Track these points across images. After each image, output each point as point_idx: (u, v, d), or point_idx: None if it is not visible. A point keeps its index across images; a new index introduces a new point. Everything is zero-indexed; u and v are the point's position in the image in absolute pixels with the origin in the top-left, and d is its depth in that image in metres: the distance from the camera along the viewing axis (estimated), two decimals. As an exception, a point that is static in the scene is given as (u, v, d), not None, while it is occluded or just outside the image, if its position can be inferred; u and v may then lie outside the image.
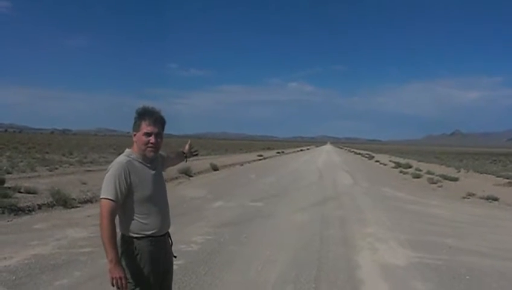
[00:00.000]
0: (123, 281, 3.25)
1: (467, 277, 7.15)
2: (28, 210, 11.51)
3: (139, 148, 3.50)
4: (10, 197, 12.02)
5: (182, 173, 22.45)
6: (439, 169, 35.74)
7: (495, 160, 65.47)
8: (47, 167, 23.19)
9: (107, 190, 3.31)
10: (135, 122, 3.52)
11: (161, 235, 3.57)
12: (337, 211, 13.71)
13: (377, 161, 53.92)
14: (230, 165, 34.69)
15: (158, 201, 3.55)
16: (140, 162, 3.50)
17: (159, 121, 3.53)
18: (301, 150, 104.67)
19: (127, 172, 3.36)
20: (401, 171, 33.95)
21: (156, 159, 3.67)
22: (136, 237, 3.42)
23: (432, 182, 24.68)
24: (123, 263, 3.34)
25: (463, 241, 9.92)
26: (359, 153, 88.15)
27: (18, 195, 12.74)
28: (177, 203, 13.28)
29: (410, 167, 37.35)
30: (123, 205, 3.38)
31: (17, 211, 11.18)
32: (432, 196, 19.24)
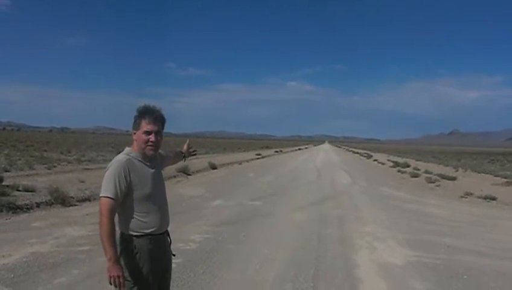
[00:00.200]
0: (121, 280, 3.25)
1: (465, 276, 7.17)
2: (26, 208, 11.50)
3: (139, 146, 3.51)
4: (8, 195, 12.02)
5: (180, 171, 22.46)
6: (437, 168, 35.77)
7: (493, 159, 65.52)
8: (45, 165, 23.17)
9: (106, 188, 3.31)
10: (135, 121, 3.53)
11: (160, 234, 3.57)
12: (335, 210, 13.72)
13: (375, 160, 53.95)
14: (228, 163, 34.70)
15: (157, 199, 3.55)
16: (140, 161, 3.50)
17: (159, 119, 3.53)
18: (299, 149, 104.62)
19: (127, 170, 3.36)
20: (399, 171, 33.98)
21: (155, 157, 3.68)
22: (135, 236, 3.42)
23: (430, 181, 24.70)
24: (122, 261, 3.34)
25: (461, 240, 9.94)
26: (357, 152, 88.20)
27: (16, 193, 12.74)
28: (176, 201, 13.28)
29: (408, 166, 37.38)
30: (122, 204, 3.38)
31: (15, 209, 11.16)
32: (430, 195, 19.27)
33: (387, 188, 21.49)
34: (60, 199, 12.48)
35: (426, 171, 30.61)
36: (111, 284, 3.28)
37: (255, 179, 24.14)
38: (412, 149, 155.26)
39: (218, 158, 38.85)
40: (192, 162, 24.95)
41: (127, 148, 3.57)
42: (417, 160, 53.15)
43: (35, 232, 9.11)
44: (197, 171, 25.38)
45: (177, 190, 16.93)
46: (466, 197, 18.41)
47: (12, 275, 6.35)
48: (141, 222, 3.42)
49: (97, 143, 73.12)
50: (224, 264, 7.40)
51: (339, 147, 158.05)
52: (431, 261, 8.01)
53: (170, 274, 3.80)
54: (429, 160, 54.49)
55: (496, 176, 27.26)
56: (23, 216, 10.91)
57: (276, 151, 76.05)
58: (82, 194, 13.89)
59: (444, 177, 26.38)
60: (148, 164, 3.54)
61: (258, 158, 48.77)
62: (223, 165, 32.48)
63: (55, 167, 23.00)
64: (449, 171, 32.59)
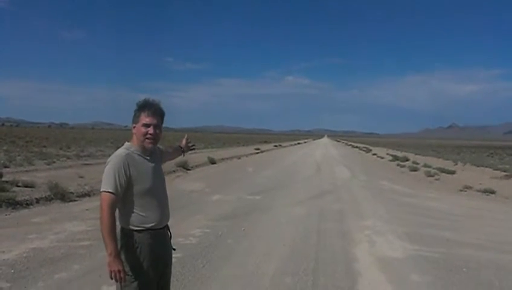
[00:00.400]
0: (122, 275, 3.26)
1: (464, 270, 7.19)
2: (26, 204, 11.51)
3: (138, 139, 3.51)
4: (8, 191, 12.01)
5: (179, 166, 22.45)
6: (436, 162, 35.79)
7: (492, 153, 65.56)
8: (44, 161, 23.18)
9: (107, 183, 3.31)
10: (135, 114, 3.54)
11: (161, 228, 3.58)
12: (335, 204, 13.74)
13: (374, 154, 53.98)
14: (227, 158, 34.69)
15: (157, 194, 3.56)
16: (140, 155, 3.50)
17: (158, 112, 3.54)
18: (298, 144, 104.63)
19: (127, 165, 3.37)
20: (398, 165, 34.03)
21: (155, 152, 3.68)
22: (136, 230, 3.42)
23: (429, 175, 24.74)
24: (123, 256, 3.34)
25: (460, 234, 9.96)
26: (356, 147, 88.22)
27: (16, 189, 12.74)
28: (175, 196, 13.28)
29: (407, 160, 37.41)
30: (123, 198, 3.38)
31: (15, 204, 11.18)
32: (429, 189, 19.30)
33: (387, 182, 21.50)
34: (60, 195, 12.49)
35: (425, 165, 30.65)
36: (112, 278, 3.29)
37: (254, 173, 24.14)
38: (411, 143, 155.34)
39: (217, 153, 38.85)
40: (191, 157, 24.95)
41: (127, 143, 3.57)
42: (416, 154, 53.17)
43: (35, 228, 9.12)
44: (197, 166, 25.39)
45: (177, 185, 16.94)
46: (465, 191, 18.44)
47: (12, 271, 6.36)
48: (141, 217, 3.43)
49: (96, 138, 73.06)
50: (224, 259, 7.41)
51: (338, 141, 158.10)
52: (430, 255, 8.03)
53: (171, 269, 3.81)
54: (428, 154, 54.51)
55: (495, 169, 27.29)
56: (23, 212, 10.92)
57: (275, 146, 76.03)
58: (81, 190, 13.90)
59: (443, 171, 26.40)
60: (148, 158, 3.55)
61: (257, 153, 48.78)
62: (222, 159, 32.49)
63: (54, 162, 23.01)
64: (448, 165, 32.61)
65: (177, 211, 10.55)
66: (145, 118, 3.46)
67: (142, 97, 3.59)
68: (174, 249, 3.86)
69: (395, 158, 40.40)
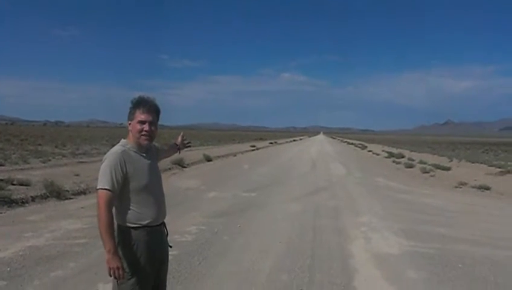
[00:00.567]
0: (120, 271, 3.27)
1: (460, 265, 7.22)
2: (22, 202, 11.48)
3: (133, 136, 3.51)
4: (3, 189, 11.99)
5: (175, 163, 22.45)
6: (431, 159, 35.88)
7: (487, 149, 65.78)
8: (40, 159, 23.10)
9: (103, 180, 3.31)
10: (130, 111, 3.54)
11: (157, 225, 3.58)
12: (330, 200, 13.77)
13: (369, 151, 54.07)
14: (223, 155, 34.68)
15: (154, 191, 3.56)
16: (136, 152, 3.50)
17: (153, 109, 3.54)
18: (294, 141, 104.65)
19: (123, 162, 3.37)
20: (393, 161, 34.11)
21: (151, 149, 3.69)
22: (132, 227, 3.42)
23: (424, 171, 24.82)
24: (119, 253, 3.34)
25: (455, 230, 10.00)
26: (352, 143, 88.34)
27: (11, 187, 12.70)
28: (171, 193, 13.25)
29: (402, 156, 37.51)
30: (119, 195, 3.38)
31: (10, 203, 11.14)
32: (424, 185, 19.37)
33: (382, 178, 21.55)
34: (55, 193, 12.46)
35: (421, 162, 30.73)
36: (111, 275, 3.30)
37: (250, 170, 24.15)
38: (406, 140, 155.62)
39: (212, 150, 38.86)
40: (187, 154, 24.94)
41: (123, 140, 3.57)
42: (411, 150, 53.29)
43: (31, 226, 9.10)
44: (192, 163, 25.37)
45: (173, 182, 16.94)
46: (460, 187, 18.53)
47: (8, 269, 6.35)
48: (138, 214, 3.43)
49: (91, 136, 72.90)
50: (220, 256, 7.42)
51: (334, 138, 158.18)
52: (426, 251, 8.06)
53: (167, 266, 3.82)
54: (423, 150, 54.65)
55: (490, 166, 27.38)
56: (19, 210, 10.89)
57: (271, 143, 76.04)
58: (77, 188, 13.87)
59: (438, 167, 26.48)
60: (144, 155, 3.55)
61: (252, 150, 48.76)
62: (218, 157, 32.48)
63: (49, 160, 22.93)
64: (443, 161, 32.70)
65: (173, 208, 10.55)
66: (140, 115, 3.47)
67: (137, 95, 3.60)
68: (171, 247, 3.87)
69: (391, 155, 40.49)
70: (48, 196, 12.31)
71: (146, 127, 3.47)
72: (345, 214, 11.62)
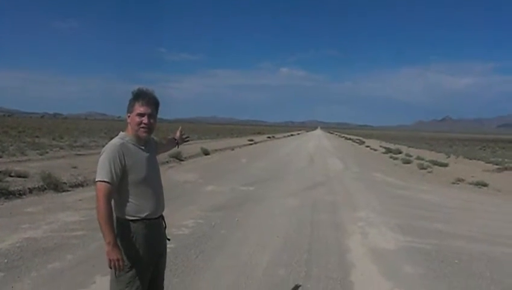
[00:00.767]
0: (121, 263, 3.27)
1: (456, 261, 7.25)
2: (19, 194, 11.46)
3: (132, 129, 3.50)
4: (1, 181, 11.97)
5: (173, 157, 22.44)
6: (429, 155, 35.95)
7: (485, 146, 65.95)
8: (37, 151, 23.05)
9: (102, 173, 3.30)
10: (129, 104, 3.52)
11: (156, 218, 3.58)
12: (328, 195, 13.79)
13: (367, 147, 54.13)
14: (221, 149, 34.67)
15: (152, 183, 3.55)
16: (134, 145, 3.49)
17: (152, 102, 3.52)
18: (292, 135, 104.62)
19: (122, 154, 3.35)
20: (391, 157, 34.15)
21: (150, 142, 3.68)
22: (131, 220, 3.41)
23: (421, 167, 24.85)
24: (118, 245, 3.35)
25: (452, 226, 10.03)
26: (350, 139, 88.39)
27: (9, 179, 12.68)
28: (168, 187, 13.22)
29: (400, 152, 37.56)
30: (118, 188, 3.37)
31: (7, 194, 11.12)
32: (421, 181, 19.40)
33: (380, 174, 21.59)
34: (53, 185, 12.45)
35: (418, 158, 30.79)
36: (110, 267, 3.29)
37: (248, 164, 24.16)
38: (404, 135, 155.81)
39: (210, 144, 38.84)
40: (184, 148, 24.92)
41: (121, 133, 3.56)
42: (409, 146, 53.39)
43: (28, 218, 9.09)
44: (190, 157, 25.36)
45: (170, 176, 16.92)
46: (457, 184, 18.56)
47: (6, 260, 6.35)
48: (137, 206, 3.42)
49: (89, 129, 72.84)
50: (218, 249, 7.43)
51: (332, 133, 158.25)
52: (423, 247, 8.08)
53: (165, 258, 3.82)
54: (421, 146, 54.74)
55: (487, 162, 27.45)
56: (16, 202, 10.87)
57: (269, 137, 76.03)
58: (75, 180, 13.86)
59: (435, 163, 26.54)
60: (142, 147, 3.54)
61: (250, 144, 48.75)
62: (216, 150, 32.45)
63: (47, 152, 22.90)
64: (441, 157, 32.77)
65: (171, 201, 10.52)
66: (139, 108, 3.45)
67: (136, 87, 3.58)
68: (169, 240, 3.87)
69: (388, 150, 40.55)
70: (45, 188, 12.30)
71: (145, 119, 3.46)
72: (342, 209, 11.64)
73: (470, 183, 18.23)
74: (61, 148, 26.73)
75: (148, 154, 3.57)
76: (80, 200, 11.20)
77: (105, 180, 3.27)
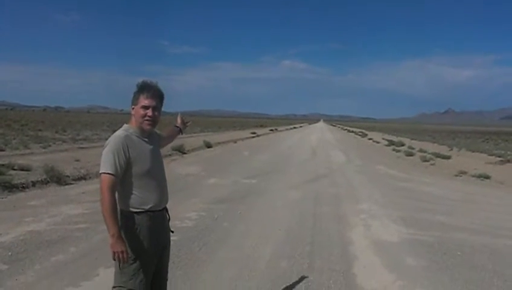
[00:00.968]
0: (125, 255, 3.27)
1: (459, 253, 7.25)
2: (22, 187, 11.50)
3: (136, 121, 3.50)
4: (4, 174, 12.00)
5: (175, 150, 22.43)
6: (431, 147, 35.90)
7: (487, 138, 65.82)
8: (40, 144, 23.11)
9: (106, 165, 3.30)
10: (134, 96, 3.52)
11: (160, 210, 3.58)
12: (330, 188, 13.79)
13: (370, 139, 54.04)
14: (223, 142, 34.67)
15: (156, 175, 3.55)
16: (138, 137, 3.49)
17: (157, 94, 3.51)
18: (294, 128, 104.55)
19: (126, 146, 3.35)
20: (394, 149, 34.09)
21: (153, 135, 3.68)
22: (135, 212, 3.42)
23: (424, 160, 24.81)
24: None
25: (455, 218, 10.03)
26: (352, 131, 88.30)
27: (12, 172, 12.72)
28: (171, 180, 13.19)
29: (403, 145, 37.51)
30: (122, 180, 3.37)
31: (11, 188, 11.15)
32: (424, 173, 19.37)
33: (382, 166, 21.56)
34: (56, 178, 12.48)
35: (421, 150, 30.75)
36: (115, 260, 3.30)
37: (250, 157, 24.16)
38: (407, 128, 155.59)
39: (213, 137, 38.87)
40: (187, 141, 24.95)
41: (125, 125, 3.56)
42: (412, 139, 53.32)
43: (32, 211, 9.12)
44: (193, 150, 25.36)
45: (173, 168, 16.92)
46: (460, 176, 18.54)
47: (10, 253, 6.38)
48: (140, 198, 3.42)
49: (92, 122, 72.91)
50: (220, 242, 7.45)
51: (334, 126, 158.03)
52: (425, 239, 8.09)
53: (169, 251, 3.82)
54: (424, 139, 54.66)
55: (490, 155, 27.40)
56: (19, 195, 10.91)
57: (271, 130, 75.98)
58: (77, 173, 13.89)
59: (438, 156, 26.50)
60: (146, 139, 3.53)
61: (253, 137, 48.73)
62: (218, 143, 32.46)
63: (50, 146, 22.96)
64: (443, 150, 32.73)
65: (174, 194, 10.53)
66: (144, 100, 3.45)
67: (138, 81, 3.58)
68: (172, 232, 3.88)
69: (391, 143, 40.49)
70: (48, 181, 12.33)
71: (149, 112, 3.45)
72: (345, 201, 11.64)
73: (473, 176, 18.20)
74: (64, 141, 26.79)
75: (151, 146, 3.57)
76: (83, 193, 11.23)
77: (109, 172, 3.27)
